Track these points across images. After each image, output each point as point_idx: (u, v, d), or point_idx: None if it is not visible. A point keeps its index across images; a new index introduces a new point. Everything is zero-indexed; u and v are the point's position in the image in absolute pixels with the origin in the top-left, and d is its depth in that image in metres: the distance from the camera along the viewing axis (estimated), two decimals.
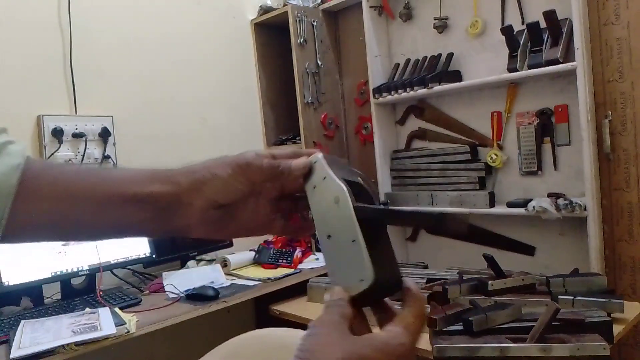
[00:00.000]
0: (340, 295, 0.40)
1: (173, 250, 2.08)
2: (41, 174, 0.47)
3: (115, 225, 0.48)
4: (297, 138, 2.56)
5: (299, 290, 1.96)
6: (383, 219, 0.40)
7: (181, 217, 0.48)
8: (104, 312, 1.54)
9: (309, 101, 2.53)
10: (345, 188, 0.42)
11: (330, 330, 0.37)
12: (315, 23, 2.56)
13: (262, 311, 2.09)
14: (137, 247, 1.94)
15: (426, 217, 0.38)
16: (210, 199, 0.47)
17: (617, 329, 1.32)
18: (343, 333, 0.37)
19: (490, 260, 1.56)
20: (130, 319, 1.52)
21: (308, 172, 0.47)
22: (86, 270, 1.80)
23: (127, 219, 0.47)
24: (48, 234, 0.48)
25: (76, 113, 2.02)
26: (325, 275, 2.03)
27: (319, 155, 0.48)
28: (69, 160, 1.95)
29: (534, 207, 1.82)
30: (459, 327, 1.32)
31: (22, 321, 1.50)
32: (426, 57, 2.25)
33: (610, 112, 1.80)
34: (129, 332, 1.46)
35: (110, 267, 1.87)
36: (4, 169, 0.44)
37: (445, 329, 1.32)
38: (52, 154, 1.92)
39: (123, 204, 0.47)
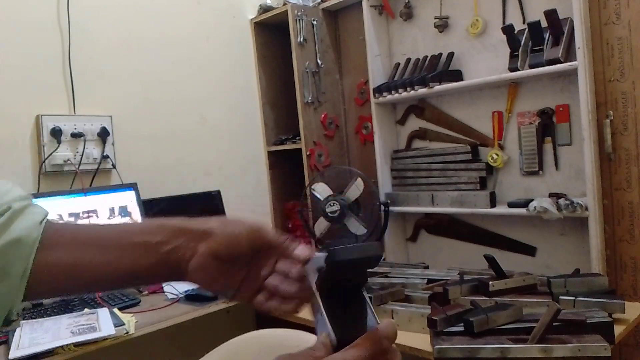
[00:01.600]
0: (325, 342, 0.45)
1: None
2: (60, 228, 0.54)
3: (128, 271, 0.53)
4: (297, 138, 2.55)
5: None
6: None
7: (184, 260, 0.53)
8: (103, 313, 1.54)
9: (309, 101, 2.52)
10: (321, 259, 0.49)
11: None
12: (315, 22, 2.55)
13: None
14: None
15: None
16: (213, 248, 0.52)
17: (618, 330, 1.32)
18: None
19: (491, 261, 1.56)
20: (129, 319, 1.52)
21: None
22: None
23: (138, 264, 0.53)
24: (68, 284, 0.53)
25: (75, 113, 2.02)
26: None
27: (319, 255, 0.53)
28: (67, 160, 1.95)
29: (535, 207, 1.81)
30: (460, 328, 1.32)
31: (21, 322, 1.49)
32: (427, 56, 2.24)
33: (611, 112, 1.80)
34: (127, 332, 1.45)
35: None
36: (28, 224, 0.50)
37: (446, 330, 1.32)
38: (51, 153, 1.91)
39: (134, 251, 0.53)
